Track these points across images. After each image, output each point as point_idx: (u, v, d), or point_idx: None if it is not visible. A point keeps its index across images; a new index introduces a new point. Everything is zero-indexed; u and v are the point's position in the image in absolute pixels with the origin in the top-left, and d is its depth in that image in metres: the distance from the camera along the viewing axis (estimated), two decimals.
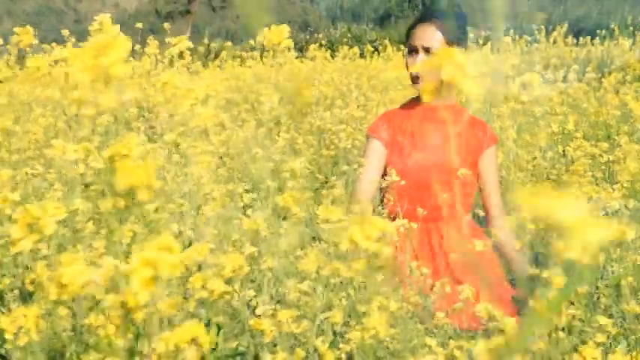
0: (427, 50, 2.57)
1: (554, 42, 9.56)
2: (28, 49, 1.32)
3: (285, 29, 1.18)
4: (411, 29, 2.64)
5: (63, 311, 0.82)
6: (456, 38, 2.59)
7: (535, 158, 3.03)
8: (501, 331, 1.03)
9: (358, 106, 5.38)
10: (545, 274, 0.97)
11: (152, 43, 5.63)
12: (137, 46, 5.37)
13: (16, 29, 1.33)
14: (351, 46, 8.42)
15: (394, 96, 6.12)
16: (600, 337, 1.22)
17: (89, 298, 0.81)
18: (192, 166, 1.32)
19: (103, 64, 0.61)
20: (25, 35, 1.32)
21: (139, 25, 5.57)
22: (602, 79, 5.74)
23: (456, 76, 0.59)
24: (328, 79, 6.84)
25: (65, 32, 4.50)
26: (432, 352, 1.43)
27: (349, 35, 16.57)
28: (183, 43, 1.55)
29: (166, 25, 5.09)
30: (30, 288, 1.15)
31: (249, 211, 2.21)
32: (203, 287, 0.99)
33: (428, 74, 2.35)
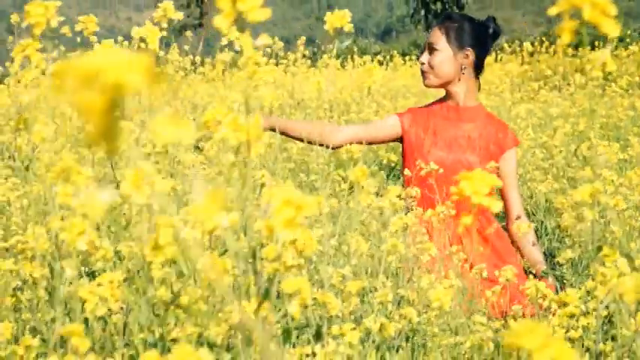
0: (431, 47, 2.64)
1: (555, 52, 9.60)
2: (92, 37, 1.32)
3: (347, 14, 1.18)
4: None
5: (157, 273, 0.81)
6: (460, 41, 2.61)
7: (551, 157, 3.02)
8: (563, 304, 1.03)
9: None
10: (605, 251, 0.97)
11: (174, 51, 5.64)
12: (161, 53, 5.37)
13: (80, 17, 1.32)
14: (360, 56, 8.44)
15: (404, 103, 6.13)
16: None
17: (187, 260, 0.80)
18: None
19: (240, 10, 0.60)
20: (90, 23, 1.31)
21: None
22: (606, 87, 5.74)
23: (596, 16, 0.58)
24: (341, 86, 6.85)
25: (93, 39, 4.48)
26: (477, 330, 1.42)
27: (355, 48, 16.61)
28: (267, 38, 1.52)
29: (188, 32, 5.09)
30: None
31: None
32: (275, 260, 0.98)
33: (433, 68, 2.41)
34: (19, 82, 4.76)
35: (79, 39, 1.37)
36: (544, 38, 10.16)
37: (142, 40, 1.06)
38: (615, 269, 0.89)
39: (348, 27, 1.17)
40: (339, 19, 1.16)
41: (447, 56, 2.62)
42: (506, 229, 2.74)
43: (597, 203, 0.93)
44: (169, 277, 0.84)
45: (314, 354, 1.03)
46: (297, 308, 0.72)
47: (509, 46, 10.26)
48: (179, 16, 1.17)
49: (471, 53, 2.62)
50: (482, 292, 1.79)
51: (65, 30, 1.09)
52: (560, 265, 2.17)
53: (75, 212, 0.67)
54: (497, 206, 0.61)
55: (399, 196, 1.87)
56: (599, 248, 0.94)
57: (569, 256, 1.49)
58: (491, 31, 2.70)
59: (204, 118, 0.80)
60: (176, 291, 0.84)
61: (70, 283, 0.93)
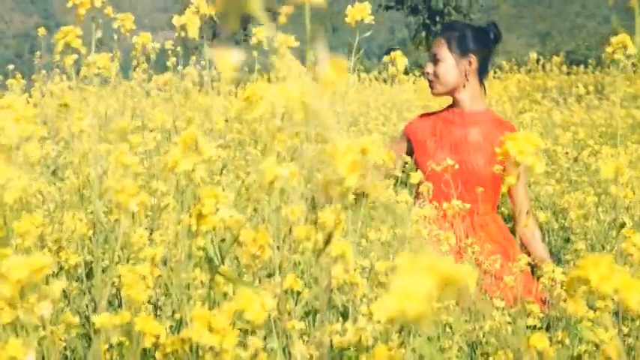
0: (434, 58, 2.64)
1: (551, 70, 9.64)
2: (128, 34, 1.32)
3: (367, 6, 1.17)
4: None
5: (201, 241, 0.79)
6: (462, 49, 2.61)
7: (554, 162, 3.00)
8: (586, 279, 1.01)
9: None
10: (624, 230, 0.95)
11: (191, 66, 5.66)
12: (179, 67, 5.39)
13: (118, 15, 1.32)
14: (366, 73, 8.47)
15: (408, 116, 6.13)
16: None
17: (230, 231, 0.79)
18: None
19: None
20: (127, 21, 1.31)
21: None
22: (600, 100, 5.74)
23: None
24: (350, 100, 6.86)
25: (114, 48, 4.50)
26: (492, 317, 1.41)
27: (360, 67, 16.69)
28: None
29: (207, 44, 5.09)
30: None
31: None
32: (307, 239, 0.97)
33: (438, 78, 2.40)
34: (43, 95, 4.76)
35: (116, 36, 1.36)
36: (540, 57, 10.19)
37: (182, 28, 1.06)
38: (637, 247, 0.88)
39: (369, 19, 1.16)
40: (360, 11, 1.15)
41: (450, 65, 2.62)
42: (512, 230, 2.72)
43: (620, 180, 0.91)
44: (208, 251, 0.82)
45: (344, 331, 1.02)
46: (341, 271, 0.70)
47: (507, 64, 10.32)
48: (211, 10, 1.17)
49: (473, 59, 2.62)
50: (490, 287, 1.77)
51: (108, 11, 1.08)
52: (567, 262, 2.16)
53: (130, 171, 0.66)
54: (540, 167, 0.60)
55: (415, 190, 1.85)
56: (622, 225, 0.93)
57: (580, 247, 1.48)
58: (492, 35, 2.69)
59: (245, 94, 0.79)
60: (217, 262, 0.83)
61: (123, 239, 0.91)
